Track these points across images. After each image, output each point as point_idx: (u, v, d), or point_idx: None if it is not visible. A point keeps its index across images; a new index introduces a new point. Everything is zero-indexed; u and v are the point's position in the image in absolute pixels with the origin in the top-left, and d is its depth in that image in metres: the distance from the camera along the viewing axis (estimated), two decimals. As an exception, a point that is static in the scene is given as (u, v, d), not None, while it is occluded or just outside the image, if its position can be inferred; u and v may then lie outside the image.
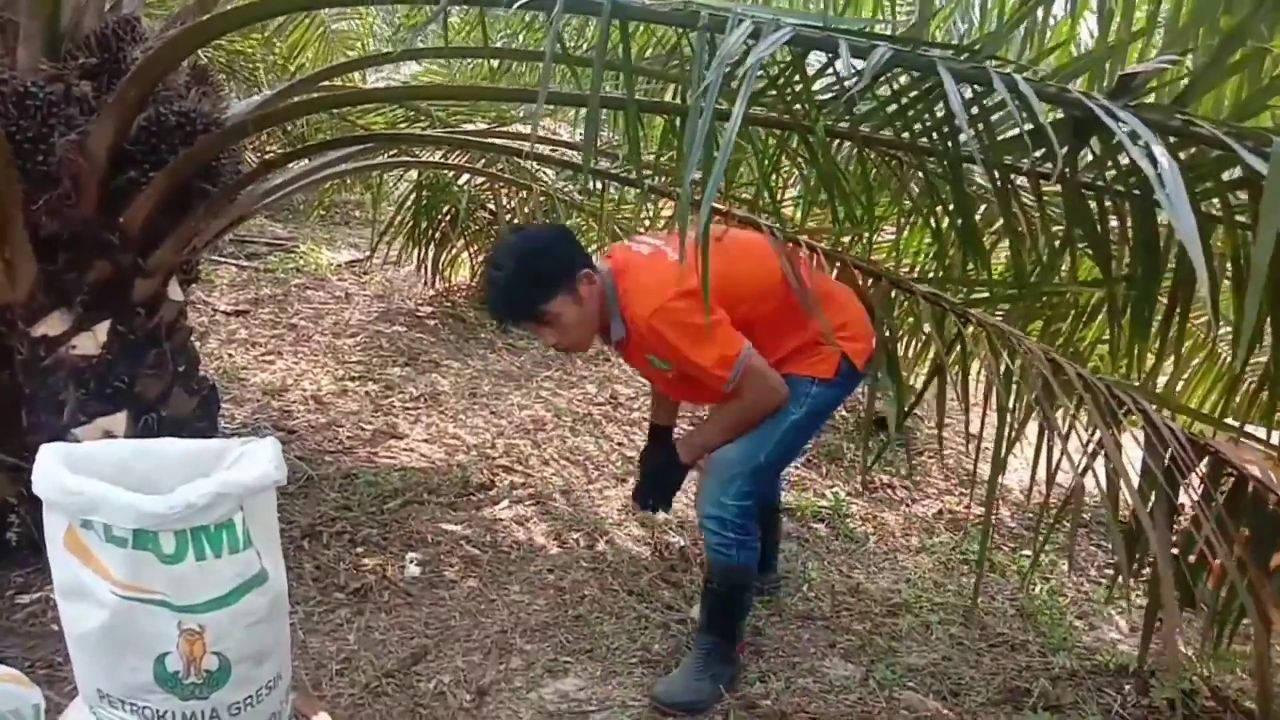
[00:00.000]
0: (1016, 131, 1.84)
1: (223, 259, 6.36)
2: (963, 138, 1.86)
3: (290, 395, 4.15)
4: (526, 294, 2.16)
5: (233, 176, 2.82)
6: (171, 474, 2.03)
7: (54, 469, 1.73)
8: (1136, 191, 1.76)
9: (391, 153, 4.87)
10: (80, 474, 1.74)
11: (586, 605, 2.75)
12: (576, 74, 2.97)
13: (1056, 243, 2.13)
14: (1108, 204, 1.93)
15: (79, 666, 1.83)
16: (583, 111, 3.38)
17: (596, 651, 2.53)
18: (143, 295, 2.75)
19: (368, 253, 6.74)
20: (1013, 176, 1.96)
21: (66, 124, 2.43)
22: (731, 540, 2.36)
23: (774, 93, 1.89)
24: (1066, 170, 1.72)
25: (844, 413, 4.90)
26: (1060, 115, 1.69)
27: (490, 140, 3.33)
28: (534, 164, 4.25)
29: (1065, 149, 1.65)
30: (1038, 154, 1.86)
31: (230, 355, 4.63)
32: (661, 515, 2.91)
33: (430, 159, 4.79)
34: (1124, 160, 1.72)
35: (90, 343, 2.63)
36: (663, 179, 3.15)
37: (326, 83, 3.23)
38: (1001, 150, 1.85)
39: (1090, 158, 1.84)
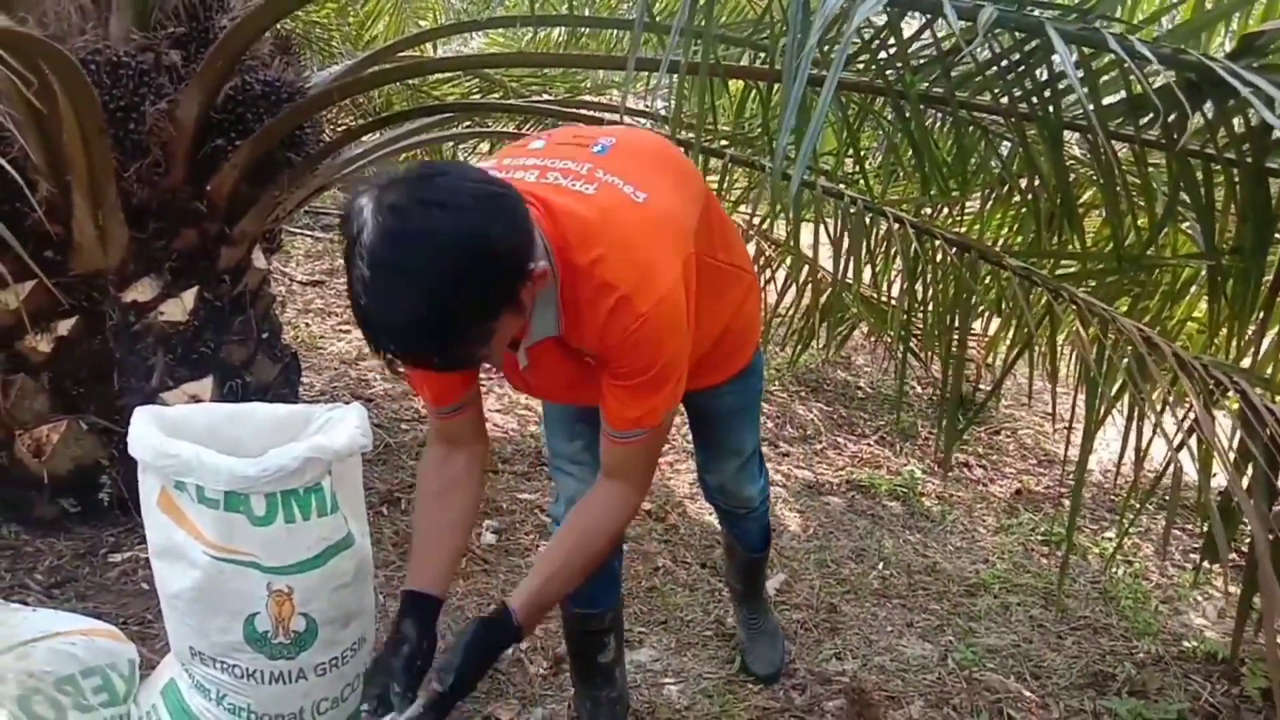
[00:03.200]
0: (1120, 97, 1.77)
1: (299, 230, 6.46)
2: (1069, 100, 1.80)
3: (366, 364, 4.20)
4: (461, 325, 1.25)
5: (315, 146, 2.85)
6: (261, 438, 2.06)
7: (149, 432, 1.77)
8: (1249, 159, 1.68)
9: (465, 124, 4.89)
10: (174, 437, 1.78)
11: (660, 577, 2.75)
12: (660, 40, 2.93)
13: (1156, 214, 2.05)
14: (1215, 172, 1.85)
15: (171, 624, 1.87)
16: (653, 80, 3.35)
17: (671, 623, 2.53)
18: (228, 263, 2.79)
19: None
20: (1116, 144, 1.89)
21: (156, 93, 2.46)
22: (767, 511, 2.26)
23: (865, 57, 1.84)
24: (1174, 135, 1.64)
25: (919, 389, 4.83)
26: (1171, 79, 1.62)
27: (568, 110, 3.31)
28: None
29: (1174, 114, 1.58)
30: (1145, 120, 1.78)
31: (307, 324, 4.70)
32: None
33: (504, 129, 4.79)
34: (1238, 126, 1.65)
35: (178, 309, 2.68)
36: (745, 149, 3.09)
37: (402, 53, 3.24)
38: (1107, 116, 1.78)
39: (1199, 123, 1.76)
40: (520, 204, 1.29)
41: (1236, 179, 1.82)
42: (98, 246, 2.51)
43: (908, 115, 1.87)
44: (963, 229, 3.65)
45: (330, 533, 1.92)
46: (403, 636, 1.62)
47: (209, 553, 1.78)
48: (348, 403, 2.09)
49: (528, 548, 2.82)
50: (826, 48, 1.59)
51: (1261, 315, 2.19)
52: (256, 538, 1.82)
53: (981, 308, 4.02)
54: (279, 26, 3.11)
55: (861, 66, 1.97)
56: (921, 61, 1.98)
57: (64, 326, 2.56)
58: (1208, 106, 1.72)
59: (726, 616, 2.59)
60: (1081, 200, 3.33)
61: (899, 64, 1.81)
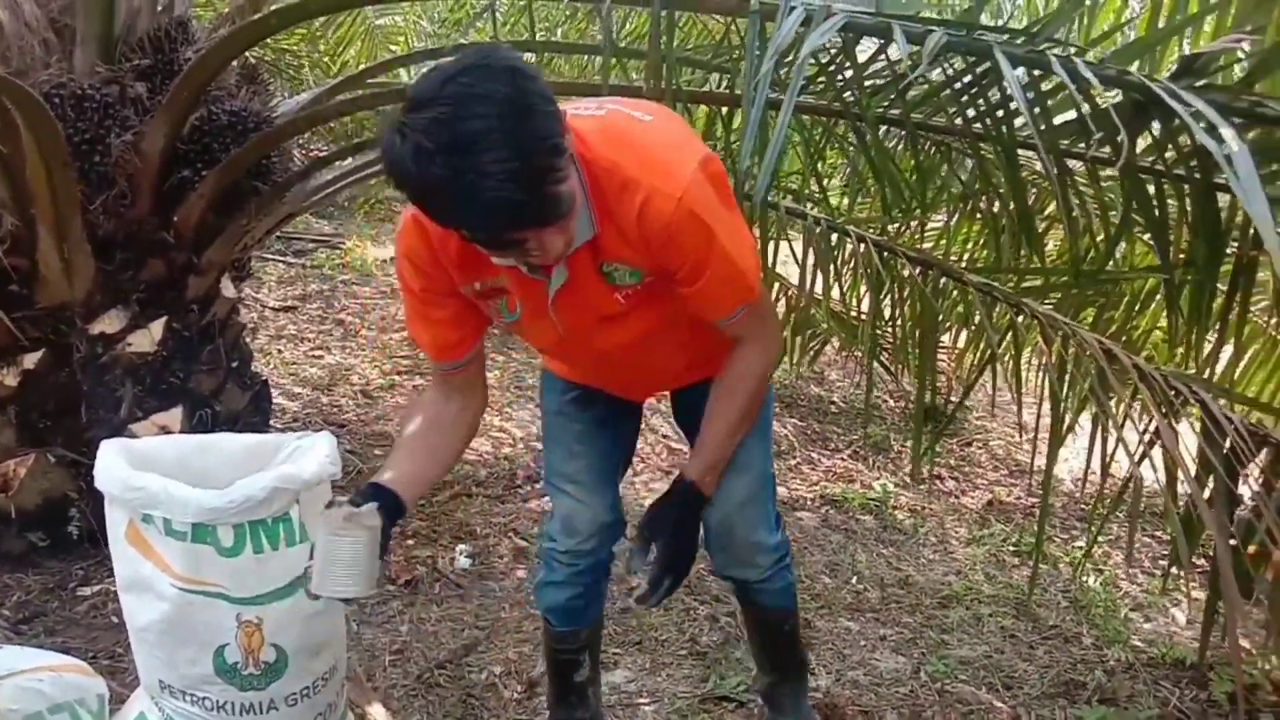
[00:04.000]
0: (1072, 116, 1.81)
1: (270, 256, 6.44)
2: (1018, 122, 1.83)
3: (339, 390, 4.20)
4: (541, 179, 1.21)
5: (283, 175, 2.85)
6: (229, 469, 2.06)
7: (116, 464, 1.77)
8: (1198, 175, 1.72)
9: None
10: (141, 469, 1.77)
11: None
12: (623, 65, 2.96)
13: (1113, 229, 2.09)
14: (1166, 188, 1.89)
15: (140, 658, 1.86)
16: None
17: (645, 644, 2.53)
18: (196, 293, 2.79)
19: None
20: (1069, 162, 1.92)
21: (122, 125, 2.47)
22: (789, 566, 1.95)
23: (823, 80, 1.88)
24: (1125, 155, 1.68)
25: (890, 402, 4.86)
26: (1118, 99, 1.66)
27: None
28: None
29: (1124, 133, 1.62)
30: (1095, 139, 1.82)
31: (280, 350, 4.69)
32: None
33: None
34: (1185, 144, 1.69)
35: (146, 340, 2.67)
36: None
37: (372, 80, 3.25)
38: (1058, 135, 1.82)
39: (1148, 142, 1.80)
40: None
41: (1187, 194, 1.86)
42: (63, 279, 2.50)
43: (866, 137, 1.90)
44: (928, 245, 3.70)
45: (298, 563, 1.91)
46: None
47: (177, 585, 1.78)
48: (320, 430, 2.09)
49: (503, 571, 2.82)
50: (784, 71, 1.62)
51: (1218, 327, 2.23)
52: (225, 569, 1.82)
53: (948, 323, 4.08)
54: (245, 56, 3.12)
55: (821, 89, 2.00)
56: (879, 84, 2.01)
57: (30, 360, 2.55)
58: (1158, 125, 1.77)
59: (701, 635, 2.60)
60: (1044, 214, 3.39)
61: (855, 87, 1.85)
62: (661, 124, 1.45)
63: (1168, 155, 1.76)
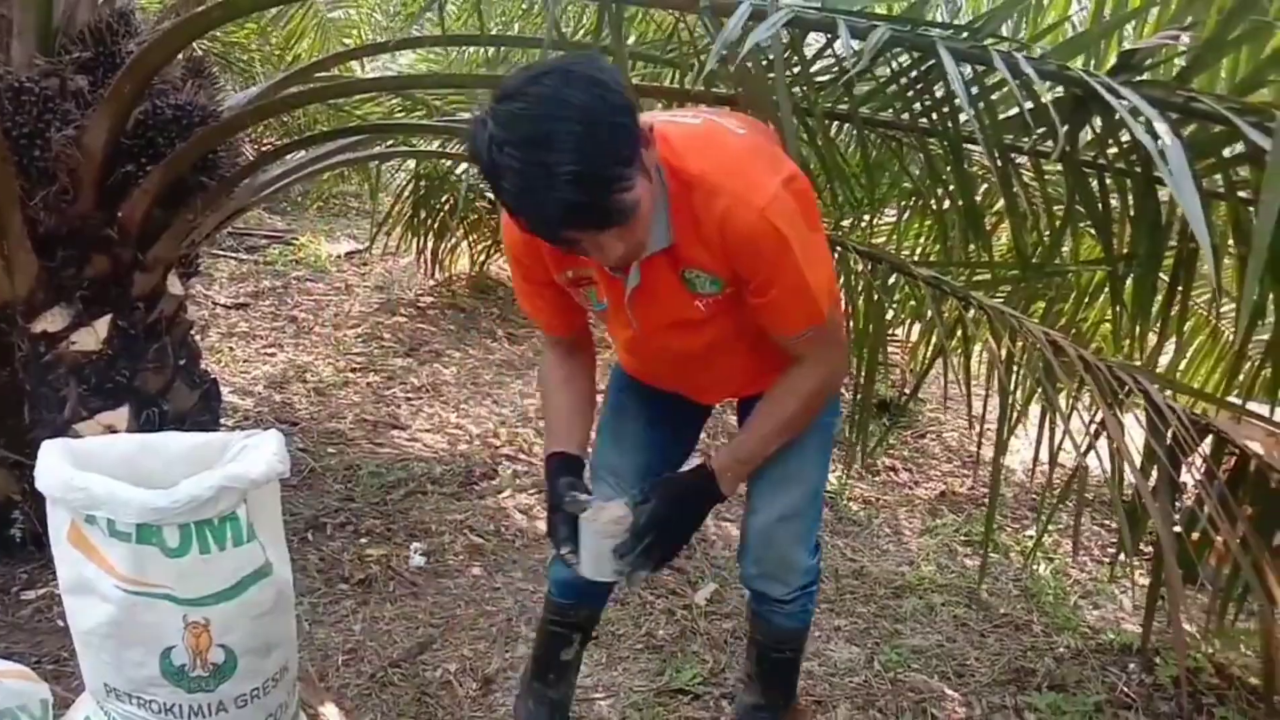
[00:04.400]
0: (1017, 111, 1.83)
1: (222, 252, 6.35)
2: (963, 118, 1.85)
3: (292, 388, 4.15)
4: (603, 187, 1.27)
5: (230, 169, 2.81)
6: (176, 468, 2.03)
7: (57, 465, 1.73)
8: (1138, 169, 1.75)
9: (389, 143, 4.86)
10: (84, 469, 1.74)
11: (591, 592, 2.75)
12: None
13: (1058, 223, 2.12)
14: (1109, 182, 1.92)
15: (85, 661, 1.83)
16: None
17: (601, 638, 2.53)
18: (142, 290, 2.74)
19: (367, 244, 6.73)
20: (1014, 156, 1.95)
21: (62, 119, 2.42)
22: (813, 599, 1.91)
23: (772, 75, 1.88)
24: (1067, 148, 1.71)
25: (845, 394, 4.90)
26: (1060, 93, 1.69)
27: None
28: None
29: (1066, 127, 1.64)
30: (1038, 133, 1.85)
31: (231, 349, 4.62)
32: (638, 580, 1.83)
33: (428, 149, 4.77)
34: (1125, 138, 1.72)
35: (90, 338, 2.62)
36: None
37: (323, 73, 3.22)
38: (1002, 129, 1.84)
39: (1091, 136, 1.83)
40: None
41: (1129, 189, 1.89)
42: (4, 276, 2.45)
43: (813, 131, 1.91)
44: (880, 241, 3.73)
45: (247, 562, 1.90)
46: (563, 489, 1.67)
47: (121, 586, 1.75)
48: (271, 428, 2.07)
49: (457, 569, 2.81)
50: (733, 67, 1.62)
51: (1161, 319, 2.28)
52: (170, 570, 1.79)
53: (902, 316, 4.12)
54: (191, 49, 3.07)
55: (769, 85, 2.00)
56: (827, 79, 2.03)
57: (-30, 359, 2.49)
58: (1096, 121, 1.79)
59: (657, 629, 2.60)
60: (994, 210, 3.43)
61: (803, 83, 1.86)
62: (752, 137, 1.49)
63: (1110, 151, 1.79)
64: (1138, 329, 2.25)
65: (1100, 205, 1.93)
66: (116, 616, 1.75)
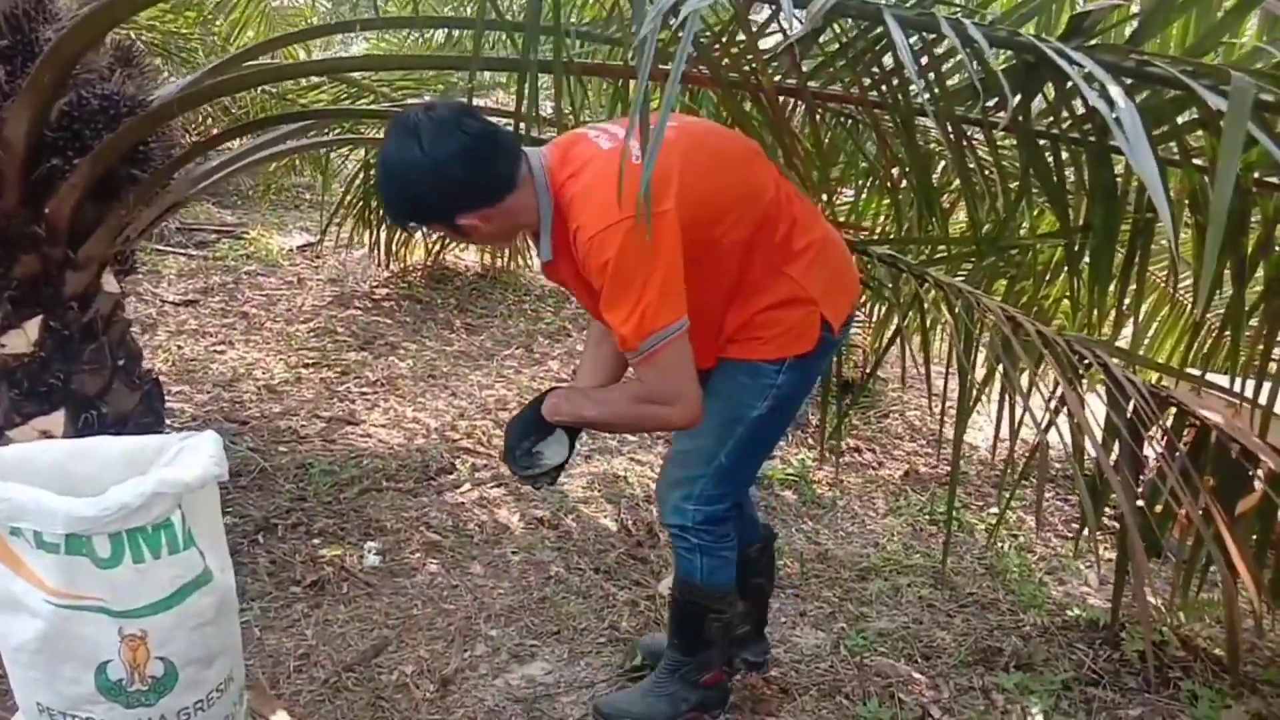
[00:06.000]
0: (967, 80, 1.79)
1: (170, 248, 6.21)
2: (913, 89, 1.81)
3: (243, 386, 4.05)
4: (437, 205, 1.66)
5: (164, 161, 2.70)
6: (109, 473, 1.94)
7: (-23, 475, 1.65)
8: (1092, 138, 1.71)
9: (336, 131, 4.74)
10: (9, 479, 1.66)
11: (552, 586, 2.69)
12: (513, 39, 2.86)
13: (1013, 196, 2.08)
14: (1063, 153, 1.88)
15: (16, 680, 1.75)
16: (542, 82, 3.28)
17: (563, 633, 2.48)
18: (75, 289, 2.63)
19: (319, 237, 6.60)
20: (966, 128, 1.91)
21: (-21, 111, 2.31)
22: (695, 546, 1.99)
23: (718, 50, 1.82)
24: (1019, 118, 1.67)
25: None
26: (1012, 61, 1.64)
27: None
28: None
29: (1018, 96, 1.60)
30: (990, 103, 1.80)
31: (180, 347, 4.50)
32: (530, 487, 2.45)
33: (376, 136, 4.66)
34: (1079, 106, 1.67)
35: (21, 340, 2.52)
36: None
37: (250, 62, 3.10)
38: (953, 100, 1.80)
39: (1043, 106, 1.79)
40: (489, 159, 1.63)
41: (1084, 158, 1.85)
42: (-76, 278, 2.34)
43: (765, 108, 1.85)
44: (841, 219, 3.69)
45: (185, 570, 1.82)
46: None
47: (51, 600, 1.67)
48: (221, 427, 1.99)
49: (414, 567, 2.73)
50: (671, 46, 1.56)
51: (1119, 292, 2.25)
52: (103, 581, 1.71)
53: (863, 297, 4.09)
54: (123, 37, 2.95)
55: (715, 60, 1.94)
56: (778, 53, 1.97)
57: (-107, 365, 2.38)
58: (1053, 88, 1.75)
59: (621, 621, 2.55)
60: (953, 188, 3.40)
61: (748, 57, 1.80)
62: (632, 168, 1.53)
63: (1064, 121, 1.75)
64: (1096, 300, 2.22)
65: (1055, 177, 1.89)
66: (47, 632, 1.67)
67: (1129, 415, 2.23)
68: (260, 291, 5.55)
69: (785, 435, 2.39)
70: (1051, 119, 1.73)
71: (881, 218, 3.69)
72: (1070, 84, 1.54)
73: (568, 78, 1.92)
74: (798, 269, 1.77)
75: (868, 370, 4.54)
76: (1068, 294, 3.55)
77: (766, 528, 2.34)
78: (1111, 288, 2.14)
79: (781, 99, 2.15)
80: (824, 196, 3.05)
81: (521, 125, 2.11)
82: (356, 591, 2.58)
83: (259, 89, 4.50)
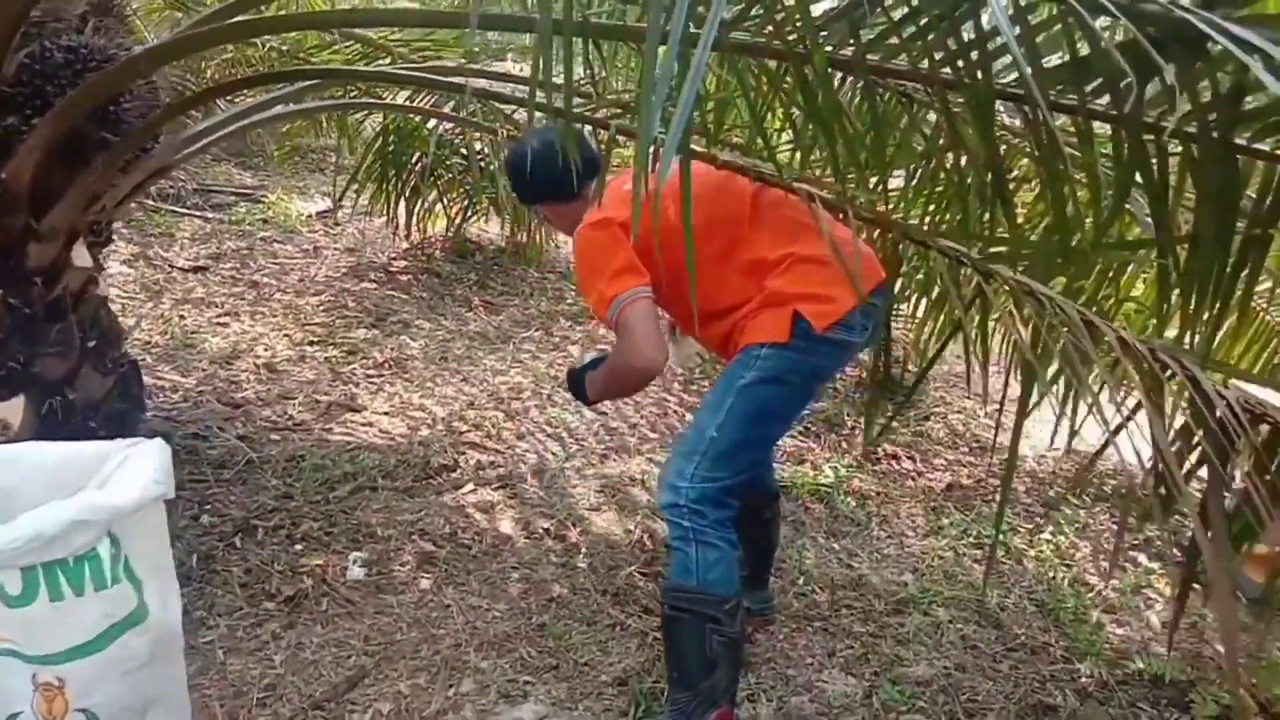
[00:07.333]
0: (1062, 59, 1.48)
1: (186, 210, 5.99)
2: (1001, 64, 1.50)
3: (241, 363, 3.81)
4: (527, 186, 2.25)
5: (140, 123, 2.43)
6: (33, 489, 1.69)
7: None
8: (1214, 133, 1.40)
9: (352, 94, 4.47)
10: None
11: (553, 611, 2.43)
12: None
13: (1102, 195, 1.77)
14: (1173, 149, 1.57)
15: (-88, 731, 1.51)
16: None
17: (562, 668, 2.22)
18: (40, 262, 2.39)
19: (339, 202, 6.35)
20: (1056, 116, 1.59)
21: (-75, 62, 2.05)
22: (688, 532, 1.96)
23: (760, 13, 1.52)
24: (1131, 106, 1.36)
25: (846, 371, 4.56)
26: (1120, 37, 1.33)
27: (422, 76, 2.90)
28: (505, 104, 3.83)
29: (1128, 79, 1.29)
30: (1092, 86, 1.49)
31: (183, 317, 4.27)
32: None
33: (394, 101, 4.39)
34: (1204, 92, 1.36)
35: (-25, 319, 2.28)
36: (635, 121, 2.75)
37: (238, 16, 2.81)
38: (1047, 83, 1.49)
39: (1156, 90, 1.47)
40: (553, 170, 2.10)
41: (1197, 156, 1.54)
42: None
43: (812, 84, 1.55)
44: (889, 206, 3.37)
45: (114, 608, 1.57)
46: None
47: (-50, 644, 1.43)
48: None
49: (403, 582, 2.48)
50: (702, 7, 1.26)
51: (1213, 304, 1.93)
52: (13, 621, 1.47)
53: (908, 291, 3.77)
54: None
55: (756, 27, 1.64)
56: (830, 19, 1.66)
57: None
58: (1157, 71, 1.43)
59: (627, 656, 2.28)
60: (1011, 175, 3.06)
61: (796, 22, 1.50)
62: (618, 188, 2.13)
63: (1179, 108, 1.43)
64: (1189, 315, 1.90)
65: (1158, 175, 1.58)
66: (-54, 679, 1.43)
67: (1217, 436, 1.91)
68: (274, 260, 5.31)
69: (787, 426, 2.39)
70: (1166, 107, 1.43)
71: (932, 206, 3.36)
72: (1199, 65, 1.22)
73: (588, 42, 1.62)
74: (771, 278, 2.02)
75: (909, 367, 4.23)
76: (1129, 297, 3.23)
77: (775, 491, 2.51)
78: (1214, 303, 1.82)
79: (833, 73, 1.85)
80: (871, 183, 2.74)
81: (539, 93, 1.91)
82: (336, 610, 2.33)
83: (266, 47, 4.22)
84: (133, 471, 1.62)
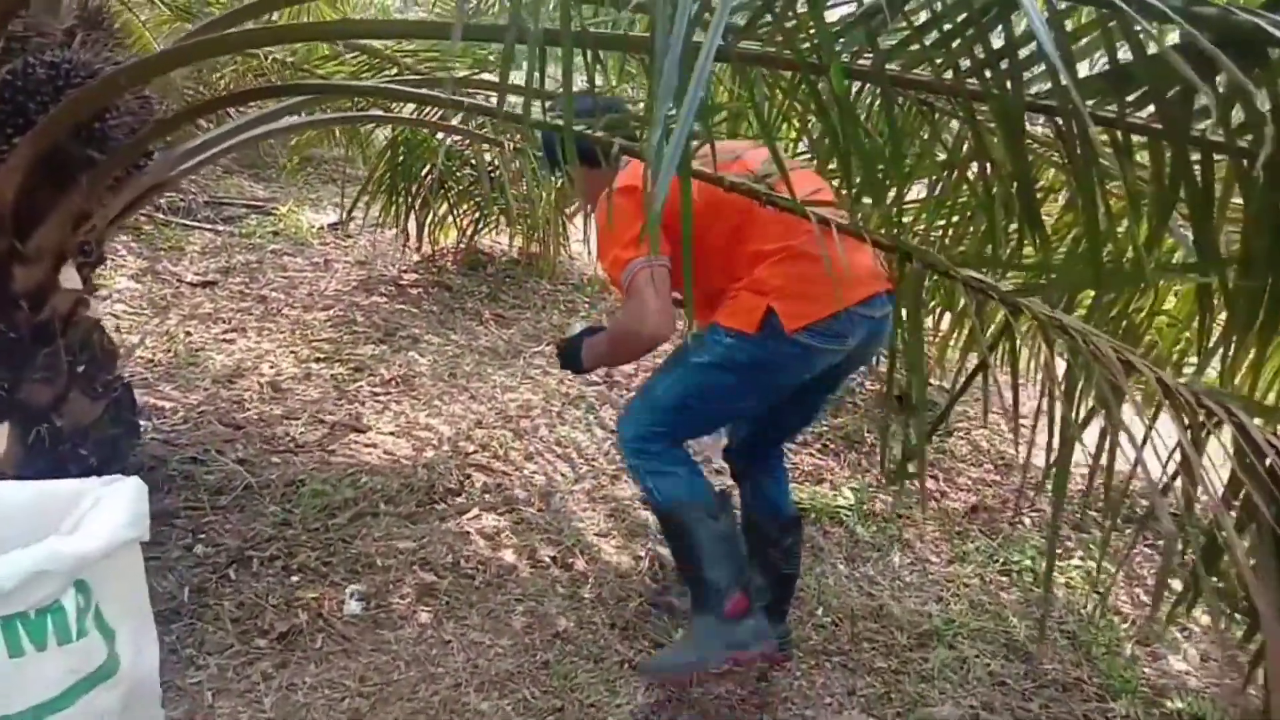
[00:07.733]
0: (1100, 68, 1.36)
1: (196, 223, 5.93)
2: (1033, 73, 1.39)
3: (245, 381, 3.72)
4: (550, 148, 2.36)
5: (128, 139, 2.35)
6: (7, 530, 1.60)
7: None
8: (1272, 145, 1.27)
9: (361, 106, 4.39)
10: None
11: (558, 647, 2.32)
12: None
13: (1142, 215, 1.64)
14: (1222, 165, 1.45)
15: None
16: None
17: (567, 710, 2.11)
18: (25, 285, 2.31)
19: (346, 215, 6.28)
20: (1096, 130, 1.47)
21: (-98, 79, 1.97)
22: (638, 471, 2.18)
23: (770, 20, 1.41)
24: (1177, 119, 1.24)
25: (866, 384, 4.43)
26: (1168, 42, 1.21)
27: (410, 90, 2.80)
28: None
29: (1176, 89, 1.17)
30: (1134, 97, 1.38)
31: (188, 333, 4.19)
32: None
33: (401, 113, 4.31)
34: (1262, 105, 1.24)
35: (-42, 344, 2.20)
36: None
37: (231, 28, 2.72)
38: (1085, 94, 1.37)
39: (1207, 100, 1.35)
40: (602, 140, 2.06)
41: (1245, 172, 1.42)
42: None
43: (826, 97, 1.44)
44: (907, 220, 3.25)
45: (80, 662, 1.47)
46: None
47: (-98, 704, 1.33)
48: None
49: (402, 616, 2.38)
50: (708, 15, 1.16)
51: (1260, 336, 1.80)
52: (-30, 679, 1.37)
53: (934, 303, 3.64)
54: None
55: (768, 35, 1.53)
56: (847, 25, 1.55)
57: None
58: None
59: (636, 697, 2.17)
60: (1038, 185, 2.94)
61: (808, 30, 1.39)
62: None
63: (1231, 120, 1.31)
64: (1233, 349, 1.78)
65: (1204, 193, 1.46)
66: (-102, 741, 1.34)
67: (1268, 485, 1.79)
68: (283, 273, 5.24)
69: (733, 414, 2.38)
70: (1216, 121, 1.31)
71: (955, 218, 3.24)
72: (1257, 71, 1.10)
73: (586, 52, 1.51)
74: (762, 266, 2.04)
75: (933, 380, 4.10)
76: (1163, 309, 3.10)
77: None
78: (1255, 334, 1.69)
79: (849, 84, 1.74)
80: (888, 196, 2.62)
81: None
82: (331, 647, 2.23)
83: (269, 59, 4.14)
84: (105, 513, 1.52)
